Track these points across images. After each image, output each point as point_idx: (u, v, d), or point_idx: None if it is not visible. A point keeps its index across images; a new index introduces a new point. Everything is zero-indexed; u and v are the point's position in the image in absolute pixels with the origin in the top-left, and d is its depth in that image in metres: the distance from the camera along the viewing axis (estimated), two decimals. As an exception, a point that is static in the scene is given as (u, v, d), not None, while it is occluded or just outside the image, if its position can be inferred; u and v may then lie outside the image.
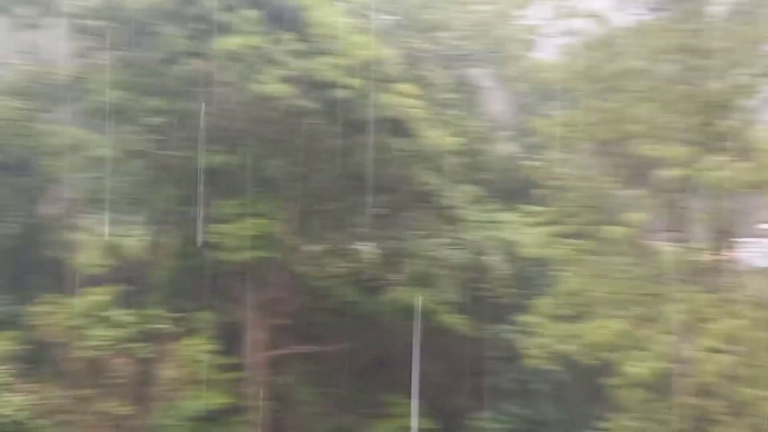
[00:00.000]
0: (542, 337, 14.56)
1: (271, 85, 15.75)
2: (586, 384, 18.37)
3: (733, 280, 12.23)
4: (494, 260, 18.93)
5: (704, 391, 12.13)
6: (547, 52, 19.72)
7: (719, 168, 10.80)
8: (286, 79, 15.89)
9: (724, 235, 12.51)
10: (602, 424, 14.35)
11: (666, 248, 15.08)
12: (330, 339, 20.26)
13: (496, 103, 23.55)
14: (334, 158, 18.72)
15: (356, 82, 16.31)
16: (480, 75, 22.98)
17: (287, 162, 19.06)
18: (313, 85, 16.44)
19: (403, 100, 17.05)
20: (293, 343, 19.93)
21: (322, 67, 16.09)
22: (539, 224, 14.33)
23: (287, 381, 19.79)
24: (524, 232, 16.25)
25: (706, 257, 12.65)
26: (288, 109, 16.60)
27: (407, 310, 18.68)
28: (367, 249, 22.26)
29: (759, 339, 11.77)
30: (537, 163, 14.38)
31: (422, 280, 18.82)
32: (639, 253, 13.73)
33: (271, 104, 16.65)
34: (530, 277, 19.46)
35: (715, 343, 10.66)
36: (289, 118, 17.48)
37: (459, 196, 19.10)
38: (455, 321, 18.83)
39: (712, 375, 10.71)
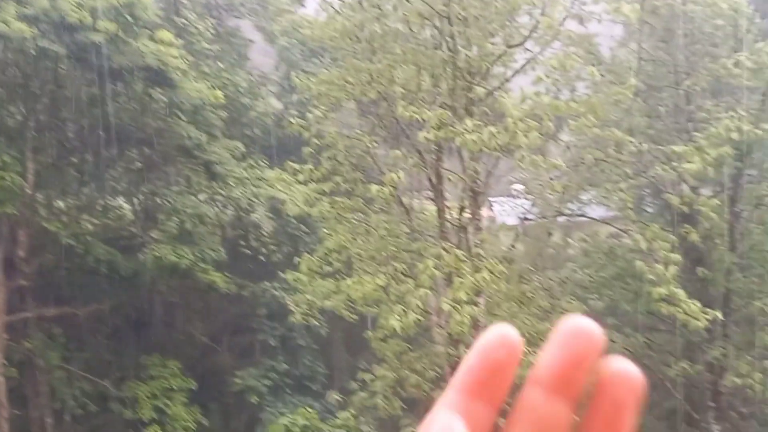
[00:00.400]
0: (306, 293, 14.75)
1: (9, 24, 14.20)
2: (348, 338, 18.99)
3: (483, 237, 13.07)
4: (258, 217, 18.79)
5: (456, 341, 12.94)
6: (314, 9, 19.65)
7: (473, 131, 11.39)
8: (26, 18, 14.41)
9: (477, 194, 13.31)
10: (362, 375, 14.90)
11: (423, 206, 15.80)
12: (82, 300, 19.08)
13: (262, 58, 23.16)
14: (86, 107, 17.42)
15: (108, 25, 15.17)
16: (246, 27, 22.44)
17: (31, 109, 17.43)
18: (60, 27, 15.07)
19: (161, 48, 16.15)
20: (38, 305, 18.49)
21: (66, 7, 14.77)
22: (303, 182, 14.36)
23: (31, 346, 18.37)
24: (288, 189, 16.24)
25: (460, 215, 13.38)
26: (31, 51, 15.10)
27: (168, 269, 18.06)
28: (123, 205, 21.16)
29: (503, 291, 12.73)
30: (301, 121, 14.33)
31: (183, 238, 18.25)
32: (398, 211, 14.24)
33: (11, 45, 15.05)
34: (294, 235, 19.61)
35: (465, 295, 11.35)
36: (32, 62, 15.92)
37: (221, 151, 18.63)
38: (218, 279, 18.51)
39: (461, 325, 11.41)
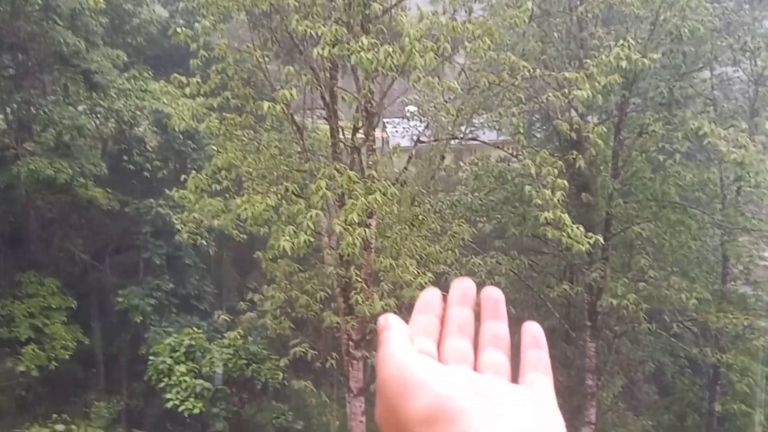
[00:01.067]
0: (193, 212, 14.31)
1: None
2: (238, 257, 18.70)
3: (376, 159, 12.95)
4: (142, 132, 17.97)
5: (346, 262, 12.93)
6: None
7: (368, 50, 11.10)
8: None
9: (371, 115, 13.11)
10: (252, 296, 14.76)
11: (316, 126, 15.48)
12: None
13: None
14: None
15: None
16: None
17: None
18: None
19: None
20: None
21: None
22: (190, 96, 13.70)
23: None
24: (174, 103, 15.52)
25: (353, 136, 13.18)
26: None
27: (44, 183, 17.12)
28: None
29: (394, 213, 12.74)
30: (188, 31, 13.57)
31: (61, 150, 17.26)
32: (290, 130, 13.89)
33: None
34: (181, 151, 18.91)
35: (357, 217, 11.27)
36: None
37: (102, 60, 17.55)
38: (99, 195, 17.72)
39: (352, 247, 11.36)
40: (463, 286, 0.80)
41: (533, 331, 0.77)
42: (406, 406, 0.67)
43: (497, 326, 0.78)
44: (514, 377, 0.74)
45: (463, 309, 0.79)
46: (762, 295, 15.24)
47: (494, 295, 0.79)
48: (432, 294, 0.81)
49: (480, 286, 0.80)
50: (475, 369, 0.74)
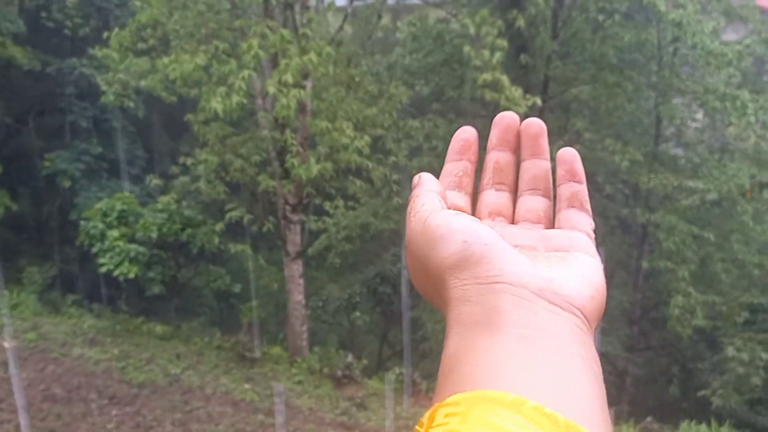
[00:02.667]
0: (119, 72, 13.68)
1: None
2: (168, 120, 18.13)
3: (310, 17, 12.42)
4: (60, -15, 16.83)
5: (281, 125, 12.64)
6: None
7: None
8: None
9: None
10: (184, 159, 14.42)
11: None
12: None
13: None
14: None
15: None
16: None
17: None
18: None
19: None
20: None
21: None
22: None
23: None
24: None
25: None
26: None
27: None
28: None
29: (330, 74, 12.37)
30: None
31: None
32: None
33: None
34: (102, 7, 17.84)
35: (291, 78, 10.92)
36: None
37: None
38: (18, 54, 16.73)
39: (287, 109, 11.07)
40: (504, 124, 0.75)
41: (568, 160, 0.72)
42: (434, 256, 0.65)
43: (537, 165, 0.74)
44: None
45: (502, 153, 0.75)
46: (692, 156, 15.59)
47: (533, 129, 0.74)
48: (466, 135, 0.77)
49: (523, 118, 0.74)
50: (512, 221, 0.74)
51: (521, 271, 0.62)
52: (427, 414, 0.54)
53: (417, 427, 0.54)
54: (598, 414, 0.53)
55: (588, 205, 0.72)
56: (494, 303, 0.59)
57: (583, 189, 0.72)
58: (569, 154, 0.72)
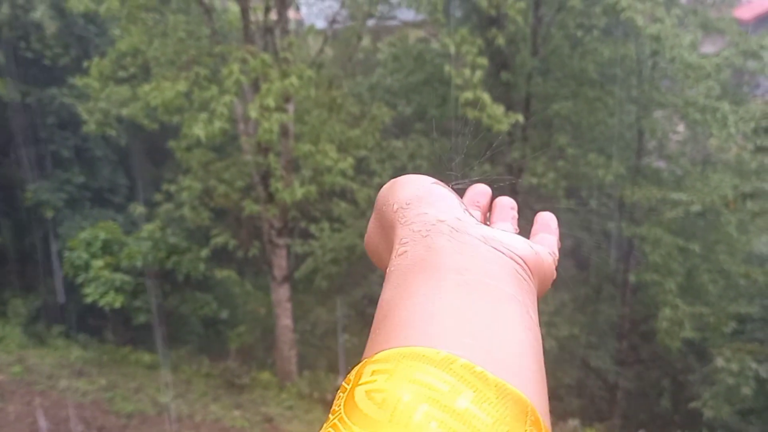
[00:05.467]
0: (100, 100, 13.64)
1: None
2: (151, 148, 18.07)
3: (290, 40, 12.44)
4: (39, 16, 16.77)
5: (264, 149, 12.62)
6: None
7: None
8: None
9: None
10: (167, 186, 14.37)
11: (225, 7, 14.72)
12: None
13: None
14: None
15: None
16: None
17: None
18: None
19: None
20: None
21: None
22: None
23: None
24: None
25: (265, 17, 12.61)
26: None
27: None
28: None
29: (312, 97, 12.39)
30: None
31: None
32: (198, 11, 13.18)
33: None
34: (82, 36, 17.81)
35: (273, 102, 10.92)
36: None
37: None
38: (-2, 85, 16.66)
39: (270, 133, 11.06)
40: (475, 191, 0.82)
41: (544, 217, 0.77)
42: (393, 197, 0.68)
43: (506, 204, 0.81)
44: None
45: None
46: (675, 168, 15.68)
47: (505, 201, 0.80)
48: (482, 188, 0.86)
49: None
50: None
51: (469, 221, 0.64)
52: (355, 370, 0.53)
53: (344, 384, 0.52)
54: (530, 367, 0.53)
55: (556, 236, 0.75)
56: (434, 243, 0.60)
57: (554, 239, 0.75)
58: (546, 215, 0.77)
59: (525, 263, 0.61)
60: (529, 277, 0.61)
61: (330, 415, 0.51)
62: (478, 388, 0.48)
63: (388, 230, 0.67)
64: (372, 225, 0.72)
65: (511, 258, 0.61)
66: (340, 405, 0.50)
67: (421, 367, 0.49)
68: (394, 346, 0.52)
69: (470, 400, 0.47)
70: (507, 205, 0.78)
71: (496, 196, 0.82)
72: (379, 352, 0.52)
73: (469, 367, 0.49)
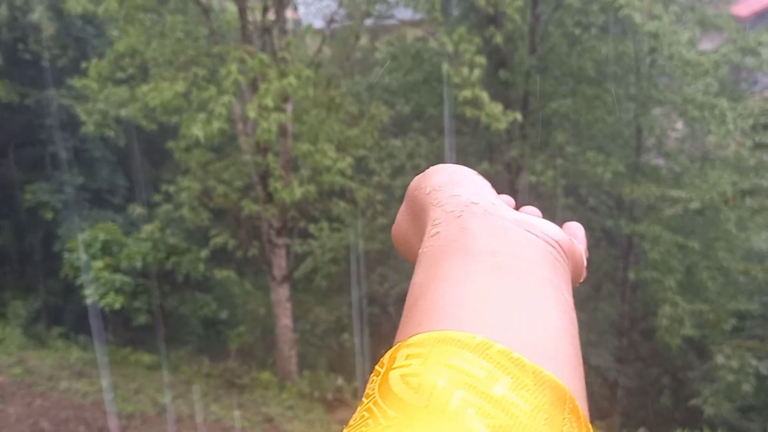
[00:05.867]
0: (98, 101, 13.63)
1: None
2: (150, 148, 18.06)
3: (288, 40, 12.44)
4: (37, 17, 16.77)
5: (263, 149, 12.62)
6: None
7: None
8: None
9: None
10: (166, 187, 14.36)
11: (223, 7, 14.72)
12: None
13: None
14: None
15: None
16: None
17: None
18: None
19: None
20: None
21: None
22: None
23: None
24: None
25: (263, 17, 12.61)
26: None
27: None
28: None
29: (310, 97, 12.39)
30: None
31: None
32: (196, 11, 13.18)
33: None
34: (80, 37, 17.80)
35: (271, 102, 10.92)
36: None
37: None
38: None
39: (268, 133, 11.06)
40: None
41: (572, 227, 0.73)
42: (425, 182, 0.67)
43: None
44: None
45: None
46: (673, 166, 15.68)
47: (532, 209, 0.74)
48: None
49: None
50: None
51: (500, 204, 0.63)
52: (388, 354, 0.52)
53: (378, 367, 0.52)
54: (567, 353, 0.52)
55: (584, 245, 0.71)
56: (467, 224, 0.59)
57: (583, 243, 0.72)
58: (574, 225, 0.73)
59: (560, 246, 0.60)
60: (564, 260, 0.60)
61: (364, 399, 0.50)
62: (515, 375, 0.47)
63: (419, 214, 0.65)
64: (402, 213, 0.70)
65: (546, 241, 0.60)
66: (374, 389, 0.49)
67: (457, 352, 0.48)
68: (427, 330, 0.51)
69: (508, 386, 0.46)
70: (533, 210, 0.72)
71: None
72: (412, 335, 0.51)
73: (506, 352, 0.48)
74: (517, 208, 0.72)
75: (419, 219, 0.65)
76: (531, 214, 0.67)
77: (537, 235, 0.59)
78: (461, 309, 0.52)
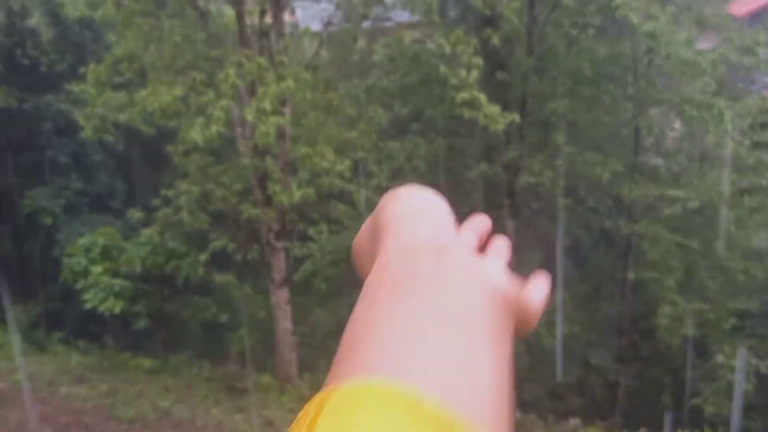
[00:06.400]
0: (97, 106, 13.62)
1: None
2: (148, 153, 18.07)
3: (286, 43, 12.45)
4: (35, 22, 16.79)
5: (261, 152, 12.62)
6: None
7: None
8: None
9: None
10: (165, 191, 14.36)
11: (221, 11, 14.73)
12: None
13: None
14: None
15: None
16: None
17: None
18: None
19: None
20: None
21: None
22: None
23: None
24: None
25: (261, 20, 12.61)
26: None
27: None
28: None
29: (308, 100, 12.40)
30: None
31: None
32: (194, 15, 13.18)
33: None
34: (78, 42, 17.82)
35: (269, 105, 10.93)
36: None
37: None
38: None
39: (267, 136, 11.07)
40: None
41: (535, 278, 0.68)
42: (392, 204, 0.68)
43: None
44: None
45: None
46: (672, 165, 15.68)
47: (503, 242, 0.74)
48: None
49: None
50: None
51: (459, 245, 0.64)
52: (320, 396, 0.52)
53: (307, 407, 0.52)
54: (496, 409, 0.53)
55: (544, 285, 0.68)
56: (418, 265, 0.59)
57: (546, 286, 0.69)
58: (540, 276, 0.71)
59: (506, 297, 0.61)
60: (508, 310, 0.60)
61: None
62: None
63: (378, 236, 0.65)
64: (366, 227, 0.70)
65: (493, 291, 0.60)
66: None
67: (387, 414, 0.48)
68: (363, 376, 0.51)
69: None
70: (503, 244, 0.73)
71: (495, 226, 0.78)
72: (347, 381, 0.51)
73: (438, 409, 0.48)
74: (491, 234, 0.73)
75: (377, 241, 0.65)
76: (497, 252, 0.69)
77: (484, 284, 0.60)
78: (399, 361, 0.52)
